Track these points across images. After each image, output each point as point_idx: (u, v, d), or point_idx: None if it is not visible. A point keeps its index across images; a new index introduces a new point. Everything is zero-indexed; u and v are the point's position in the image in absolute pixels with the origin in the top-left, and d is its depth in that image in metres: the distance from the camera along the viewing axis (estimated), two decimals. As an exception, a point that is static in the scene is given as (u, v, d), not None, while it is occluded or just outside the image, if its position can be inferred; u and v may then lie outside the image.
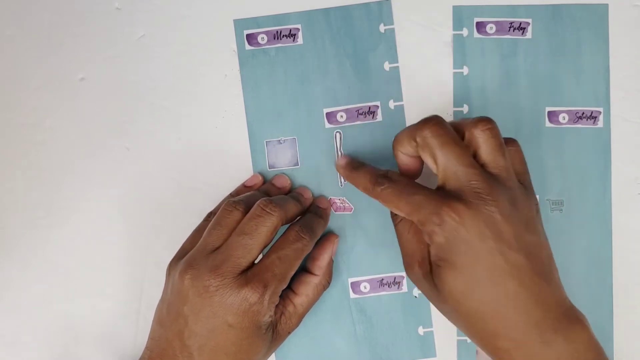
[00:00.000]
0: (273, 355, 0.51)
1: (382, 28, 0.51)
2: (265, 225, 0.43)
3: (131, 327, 0.51)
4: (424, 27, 0.51)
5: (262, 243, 0.43)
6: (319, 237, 0.47)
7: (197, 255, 0.43)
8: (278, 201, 0.44)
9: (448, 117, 0.51)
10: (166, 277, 0.45)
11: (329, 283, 0.48)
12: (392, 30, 0.51)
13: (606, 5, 0.50)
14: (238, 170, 0.51)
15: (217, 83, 0.51)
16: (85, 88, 0.52)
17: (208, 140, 0.51)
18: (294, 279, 0.47)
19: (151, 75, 0.51)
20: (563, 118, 0.51)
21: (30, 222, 0.51)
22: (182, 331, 0.42)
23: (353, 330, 0.50)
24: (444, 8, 0.51)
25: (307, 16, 0.51)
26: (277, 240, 0.45)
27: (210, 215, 0.48)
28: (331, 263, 0.48)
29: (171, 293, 0.43)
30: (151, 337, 0.44)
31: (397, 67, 0.51)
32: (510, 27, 0.51)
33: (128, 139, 0.51)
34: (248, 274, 0.42)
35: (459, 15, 0.51)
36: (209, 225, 0.44)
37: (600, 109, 0.51)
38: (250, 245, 0.42)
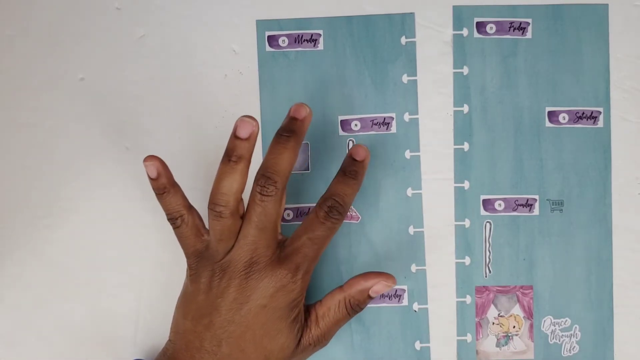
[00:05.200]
0: None
1: (403, 40, 0.51)
2: (269, 206, 0.43)
3: (131, 327, 0.51)
4: (424, 27, 0.51)
5: (276, 217, 0.43)
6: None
7: (216, 258, 0.44)
8: (271, 173, 0.42)
9: (448, 117, 0.51)
10: (192, 275, 0.45)
11: (359, 308, 0.45)
12: (414, 43, 0.51)
13: (606, 5, 0.50)
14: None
15: (217, 83, 0.51)
16: (85, 88, 0.52)
17: (208, 140, 0.51)
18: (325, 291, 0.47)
19: (151, 75, 0.52)
20: (563, 118, 0.51)
21: (30, 222, 0.51)
22: (213, 322, 0.42)
23: (350, 339, 0.50)
24: (444, 8, 0.51)
25: (330, 22, 0.51)
26: (307, 219, 0.44)
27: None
28: (366, 292, 0.45)
29: (203, 291, 0.43)
30: (174, 331, 0.44)
31: (415, 80, 0.51)
32: (510, 27, 0.51)
33: (128, 139, 0.51)
34: (280, 255, 0.43)
35: (459, 15, 0.51)
36: (212, 237, 0.44)
37: (600, 109, 0.51)
38: (266, 228, 0.43)
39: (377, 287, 0.44)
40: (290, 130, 0.43)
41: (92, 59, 0.52)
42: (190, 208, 0.45)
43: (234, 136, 0.43)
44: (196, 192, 0.51)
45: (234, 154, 0.42)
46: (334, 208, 0.43)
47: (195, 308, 0.43)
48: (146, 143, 0.51)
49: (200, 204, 0.51)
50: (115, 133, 0.51)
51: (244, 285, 0.42)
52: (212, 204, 0.43)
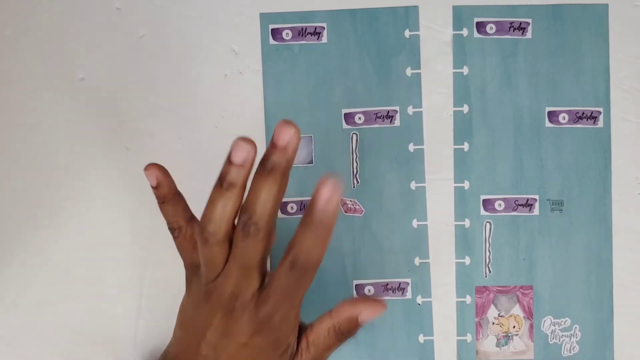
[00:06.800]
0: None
1: (407, 34, 0.51)
2: (250, 244, 0.38)
3: (131, 327, 0.51)
4: (424, 27, 0.51)
5: (261, 256, 0.39)
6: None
7: (205, 280, 0.41)
8: (251, 212, 0.38)
9: (448, 117, 0.51)
10: (187, 285, 0.43)
11: (349, 334, 0.42)
12: (417, 36, 0.51)
13: (606, 5, 0.50)
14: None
15: (217, 83, 0.51)
16: (85, 88, 0.52)
17: (208, 140, 0.51)
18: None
19: (151, 75, 0.52)
20: (563, 118, 0.51)
21: (30, 222, 0.51)
22: (199, 341, 0.41)
23: None
24: (444, 8, 0.51)
25: (333, 15, 0.51)
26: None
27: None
28: (355, 320, 0.42)
29: (193, 305, 0.42)
30: (174, 335, 0.44)
31: (419, 73, 0.51)
32: (510, 27, 0.51)
33: (128, 139, 0.51)
34: (261, 295, 0.40)
35: (459, 15, 0.51)
36: (200, 261, 0.41)
37: (600, 109, 0.51)
38: (248, 266, 0.39)
39: (365, 314, 0.41)
40: (272, 162, 0.37)
41: (92, 59, 0.52)
42: (190, 219, 0.44)
43: (228, 160, 0.38)
44: (196, 192, 0.51)
45: (226, 179, 0.38)
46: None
47: (188, 319, 0.42)
48: (146, 143, 0.51)
49: (200, 204, 0.50)
50: (115, 133, 0.51)
51: (226, 319, 0.40)
52: (200, 228, 0.39)
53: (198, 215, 0.50)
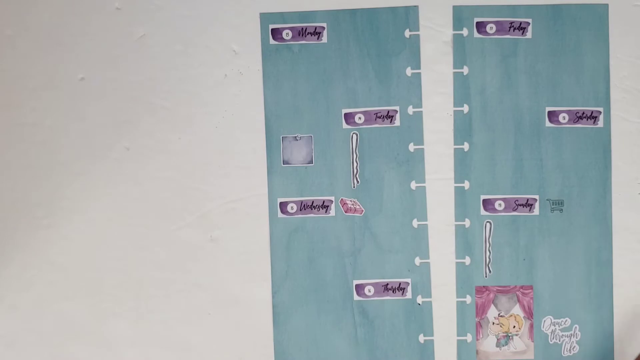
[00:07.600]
0: (272, 354, 0.51)
1: (407, 33, 0.51)
2: None
3: (131, 327, 0.51)
4: (424, 27, 0.51)
5: None
6: None
7: None
8: None
9: (448, 117, 0.51)
10: None
11: None
12: (417, 36, 0.51)
13: (606, 5, 0.50)
14: (242, 168, 0.51)
15: (217, 83, 0.51)
16: (85, 88, 0.52)
17: (208, 140, 0.51)
18: None
19: (151, 75, 0.52)
20: (563, 118, 0.51)
21: (30, 222, 0.51)
22: None
23: (354, 332, 0.50)
24: (444, 8, 0.51)
25: (334, 15, 0.51)
26: None
27: None
28: None
29: None
30: None
31: (419, 73, 0.51)
32: (510, 27, 0.51)
33: (128, 139, 0.51)
34: None
35: (459, 15, 0.51)
36: None
37: (600, 109, 0.51)
38: None
39: None
40: None
41: (92, 59, 0.52)
42: None
43: None
44: (195, 192, 0.51)
45: None
46: None
47: None
48: (146, 143, 0.51)
49: (199, 205, 0.51)
50: (115, 133, 0.51)
51: None
52: None
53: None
